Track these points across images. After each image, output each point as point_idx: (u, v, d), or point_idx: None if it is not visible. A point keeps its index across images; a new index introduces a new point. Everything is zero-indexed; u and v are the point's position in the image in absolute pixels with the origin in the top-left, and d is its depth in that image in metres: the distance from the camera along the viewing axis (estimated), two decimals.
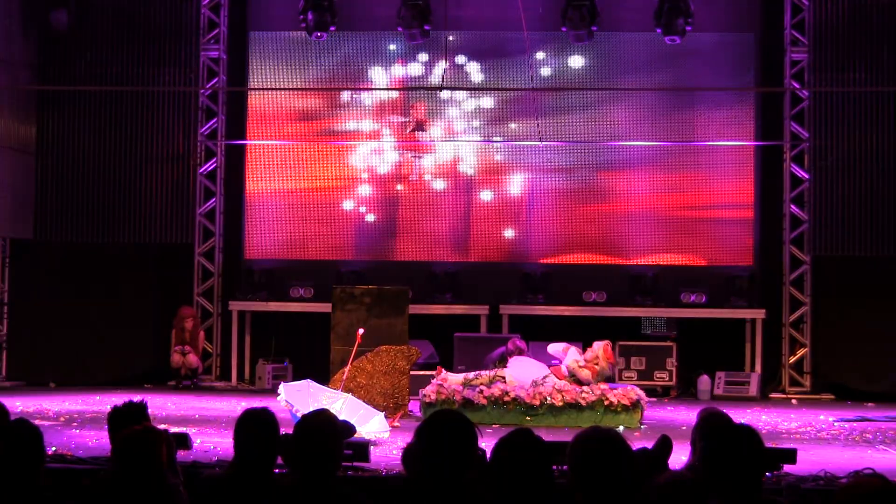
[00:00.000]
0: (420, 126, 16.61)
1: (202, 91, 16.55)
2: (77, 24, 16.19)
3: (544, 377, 12.04)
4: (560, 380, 12.04)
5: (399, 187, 16.63)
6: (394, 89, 16.67)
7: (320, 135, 16.76)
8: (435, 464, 4.37)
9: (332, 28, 15.73)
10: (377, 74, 16.66)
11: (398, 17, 15.57)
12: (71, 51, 16.55)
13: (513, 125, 16.45)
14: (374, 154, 16.69)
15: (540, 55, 16.16)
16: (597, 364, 12.12)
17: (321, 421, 4.81)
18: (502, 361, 12.91)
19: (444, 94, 16.34)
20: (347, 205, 16.68)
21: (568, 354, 12.27)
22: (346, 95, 16.72)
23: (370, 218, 16.66)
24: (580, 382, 12.02)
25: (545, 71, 16.22)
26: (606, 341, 12.42)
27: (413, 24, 15.51)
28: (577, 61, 16.37)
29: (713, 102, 16.34)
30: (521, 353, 12.88)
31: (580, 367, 12.07)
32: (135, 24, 16.55)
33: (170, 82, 16.57)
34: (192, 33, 16.64)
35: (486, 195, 16.58)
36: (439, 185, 16.63)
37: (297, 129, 16.79)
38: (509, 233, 16.51)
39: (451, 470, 4.36)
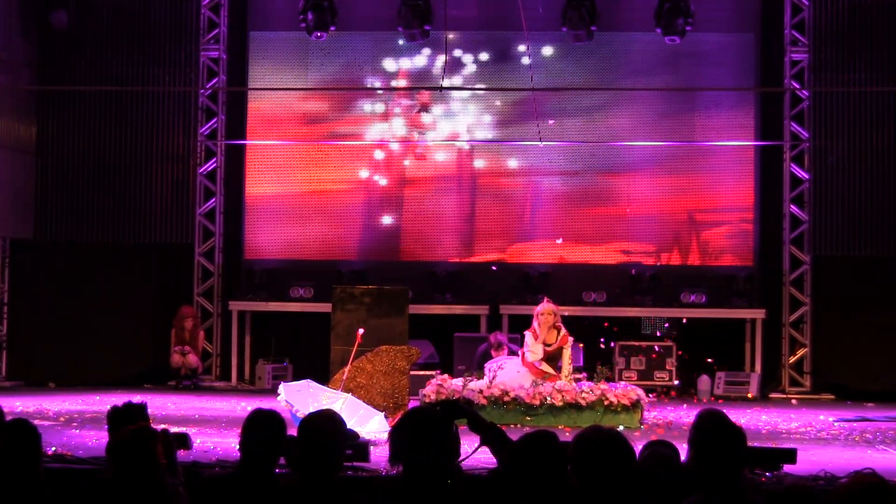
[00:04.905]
0: (424, 108, 16.65)
1: (202, 91, 16.55)
2: (77, 24, 16.20)
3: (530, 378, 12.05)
4: (533, 374, 12.04)
5: (406, 163, 16.65)
6: (393, 89, 16.67)
7: (321, 136, 16.77)
8: (411, 460, 4.41)
9: (333, 28, 15.73)
10: (378, 74, 16.66)
11: (398, 16, 15.58)
12: (71, 51, 16.56)
13: (514, 126, 16.45)
14: (376, 150, 16.72)
15: (539, 55, 16.16)
16: (547, 345, 12.11)
17: (325, 421, 4.82)
18: (486, 356, 12.97)
19: (444, 95, 16.36)
20: (347, 204, 16.69)
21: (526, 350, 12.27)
22: (349, 98, 16.74)
23: (371, 218, 16.67)
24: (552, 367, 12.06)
25: (545, 71, 16.20)
26: (540, 310, 12.27)
27: (413, 23, 15.51)
28: (576, 62, 16.37)
29: (713, 103, 16.35)
30: (500, 346, 13.00)
31: (533, 353, 12.07)
32: (135, 24, 16.57)
33: (170, 82, 16.58)
34: (192, 33, 16.65)
35: (487, 196, 16.60)
36: (440, 185, 16.64)
37: (297, 129, 16.80)
38: (510, 233, 16.52)
39: (427, 464, 4.40)
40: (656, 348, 15.61)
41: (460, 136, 16.64)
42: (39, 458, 5.19)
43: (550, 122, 15.69)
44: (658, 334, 16.02)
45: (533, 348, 12.06)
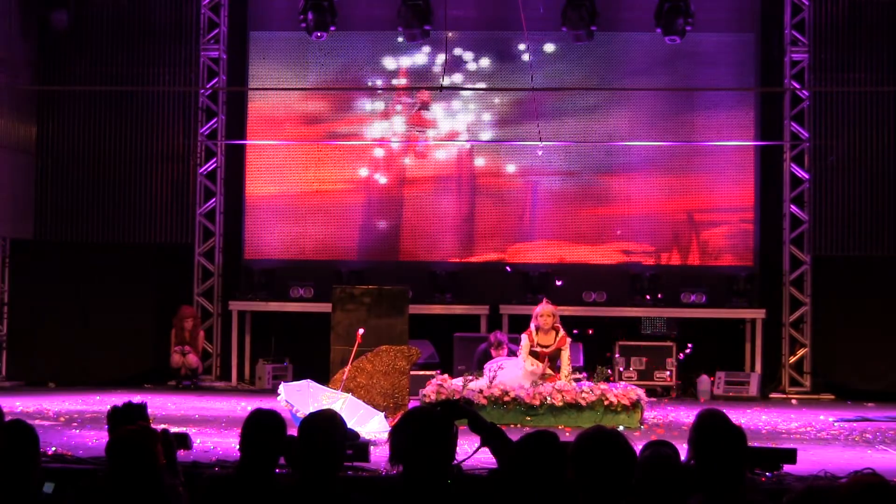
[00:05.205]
0: (424, 106, 16.65)
1: (202, 91, 16.55)
2: (77, 24, 16.21)
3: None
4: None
5: (406, 161, 16.66)
6: (393, 89, 16.67)
7: (320, 135, 16.77)
8: (411, 460, 4.41)
9: (333, 28, 15.73)
10: (378, 73, 16.66)
11: (398, 16, 15.58)
12: (71, 51, 16.57)
13: (514, 126, 16.46)
14: (375, 149, 16.72)
15: (539, 55, 16.16)
16: (542, 347, 12.06)
17: (325, 421, 4.82)
18: (486, 356, 12.95)
19: (444, 94, 16.36)
20: (347, 204, 16.69)
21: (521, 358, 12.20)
22: (349, 98, 16.74)
23: (371, 218, 16.67)
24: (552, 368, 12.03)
25: (545, 71, 16.20)
26: (539, 311, 12.18)
27: (413, 23, 15.51)
28: (576, 62, 16.37)
29: (713, 103, 16.35)
30: (500, 345, 12.97)
31: (529, 367, 11.99)
32: (135, 24, 16.58)
33: (170, 82, 16.59)
34: (192, 33, 16.66)
35: (486, 195, 16.60)
36: (440, 185, 16.64)
37: (297, 129, 16.80)
38: (509, 233, 16.52)
39: (427, 464, 4.39)
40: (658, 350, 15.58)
41: (460, 134, 16.63)
42: (37, 458, 5.18)
43: (540, 152, 15.63)
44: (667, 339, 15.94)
45: (529, 364, 12.01)
